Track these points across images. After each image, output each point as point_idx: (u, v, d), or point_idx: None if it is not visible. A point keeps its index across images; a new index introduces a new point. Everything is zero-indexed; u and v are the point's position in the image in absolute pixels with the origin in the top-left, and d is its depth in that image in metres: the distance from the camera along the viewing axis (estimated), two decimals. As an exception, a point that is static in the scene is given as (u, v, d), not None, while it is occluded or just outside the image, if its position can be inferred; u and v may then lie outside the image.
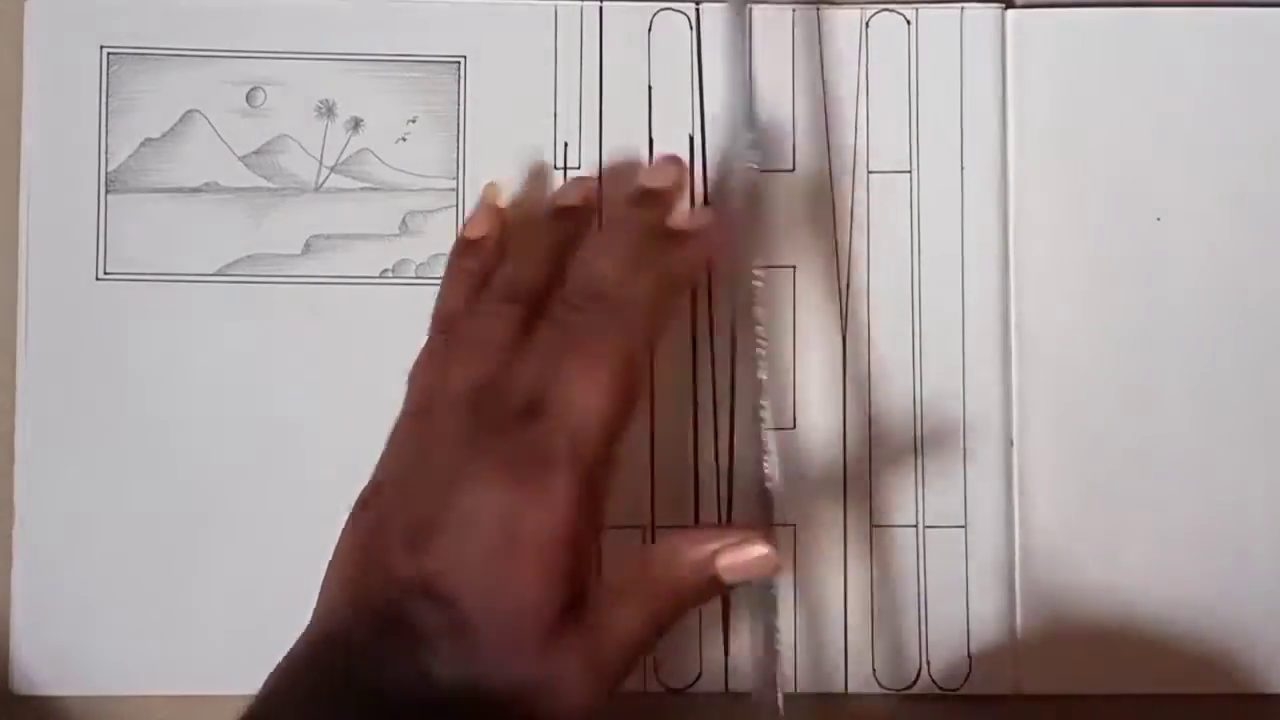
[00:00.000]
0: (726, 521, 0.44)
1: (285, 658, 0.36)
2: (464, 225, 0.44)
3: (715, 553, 0.37)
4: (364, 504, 0.39)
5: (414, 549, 0.36)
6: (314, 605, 0.38)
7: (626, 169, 0.44)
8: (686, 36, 0.45)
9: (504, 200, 0.44)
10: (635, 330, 0.38)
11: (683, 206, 0.42)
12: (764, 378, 0.40)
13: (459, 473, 0.36)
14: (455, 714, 0.35)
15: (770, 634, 0.40)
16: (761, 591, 0.40)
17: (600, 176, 0.44)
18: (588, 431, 0.36)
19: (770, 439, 0.40)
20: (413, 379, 0.41)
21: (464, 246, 0.43)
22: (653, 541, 0.43)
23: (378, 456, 0.40)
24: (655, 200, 0.41)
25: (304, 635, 0.37)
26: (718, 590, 0.37)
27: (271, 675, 0.36)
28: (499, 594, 0.35)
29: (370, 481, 0.39)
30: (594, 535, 0.37)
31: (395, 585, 0.36)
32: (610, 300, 0.38)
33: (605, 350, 0.37)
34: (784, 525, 0.44)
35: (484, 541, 0.35)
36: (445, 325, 0.41)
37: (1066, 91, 0.45)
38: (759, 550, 0.37)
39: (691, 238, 0.40)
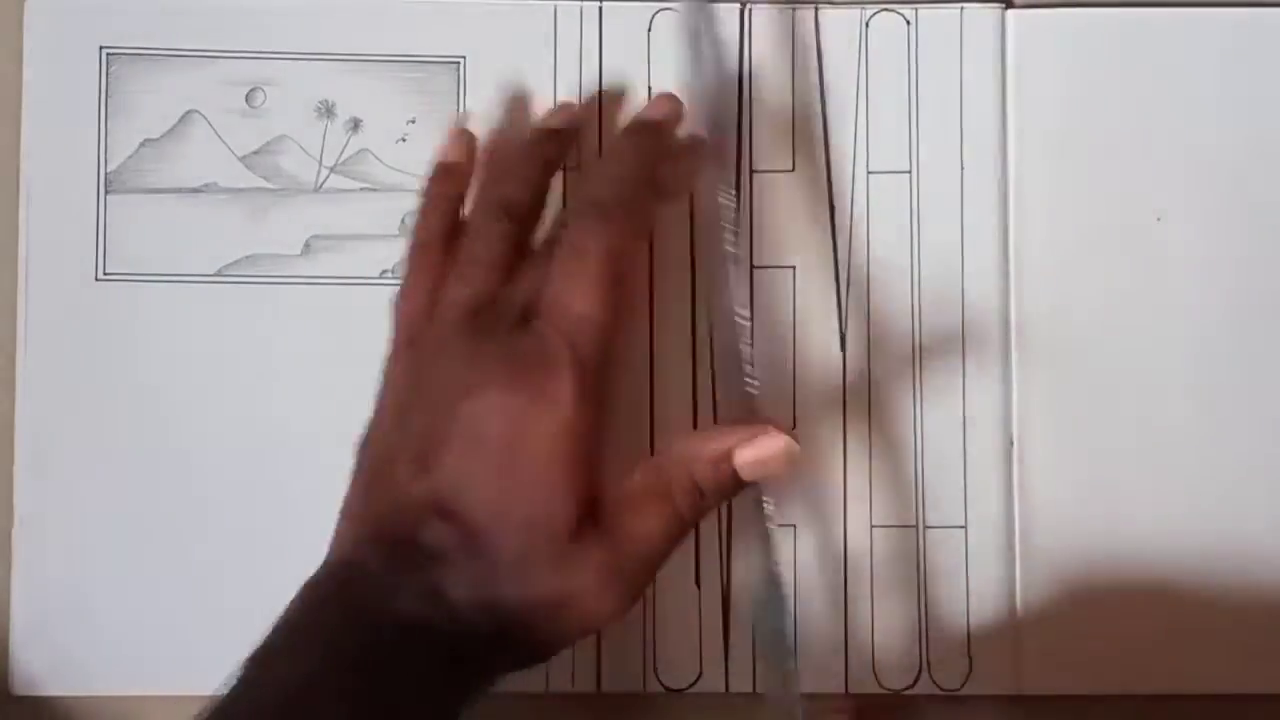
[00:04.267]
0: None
1: (302, 588, 0.36)
2: (437, 151, 0.43)
3: (732, 449, 0.36)
4: (365, 441, 0.39)
5: (422, 468, 0.36)
6: (330, 542, 0.38)
7: (610, 100, 0.44)
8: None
9: (477, 129, 0.44)
10: (617, 228, 0.38)
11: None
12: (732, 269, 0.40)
13: (459, 386, 0.36)
14: (474, 633, 0.35)
15: (781, 639, 0.40)
16: (773, 597, 0.40)
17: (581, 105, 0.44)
18: (583, 331, 0.36)
19: (747, 344, 0.39)
20: (397, 309, 0.41)
21: (439, 172, 0.43)
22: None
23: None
24: (650, 130, 0.42)
25: (320, 568, 0.37)
26: (737, 488, 0.37)
27: (288, 605, 0.36)
28: (510, 505, 0.35)
29: (370, 420, 0.40)
30: (600, 439, 0.36)
31: (406, 507, 0.36)
32: (594, 206, 0.38)
33: (590, 249, 0.37)
34: (784, 526, 0.44)
35: (491, 451, 0.35)
36: (423, 252, 0.41)
37: (1066, 91, 0.44)
38: (775, 442, 0.36)
39: (678, 152, 0.41)
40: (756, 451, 0.37)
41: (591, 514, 0.36)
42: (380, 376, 0.40)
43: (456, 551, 0.35)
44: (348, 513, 0.39)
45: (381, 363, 0.41)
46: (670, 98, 0.43)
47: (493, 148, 0.44)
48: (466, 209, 0.42)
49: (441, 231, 0.41)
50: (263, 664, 0.35)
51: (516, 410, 0.35)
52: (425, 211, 0.42)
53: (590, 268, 0.37)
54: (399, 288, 0.41)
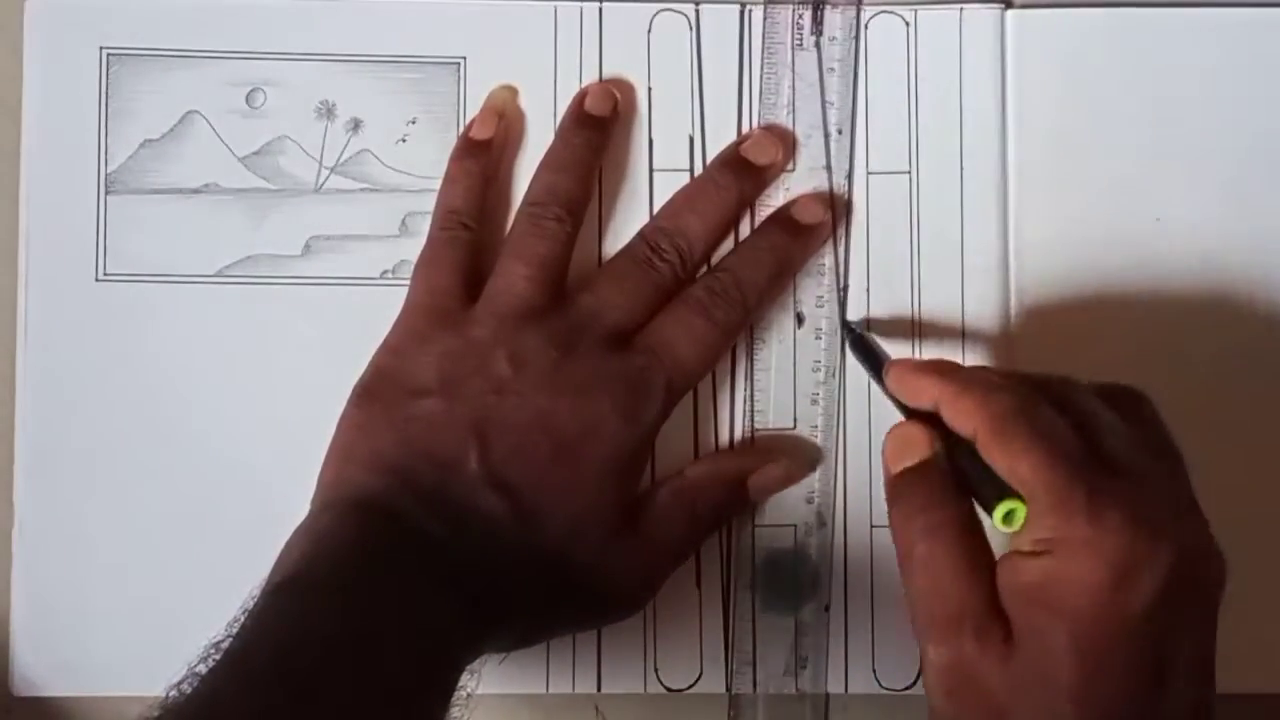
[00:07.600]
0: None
1: (310, 527, 0.38)
2: (468, 125, 0.44)
3: (747, 473, 0.43)
4: (370, 392, 0.41)
5: (481, 442, 0.39)
6: (321, 477, 0.40)
7: (623, 87, 0.44)
8: (686, 36, 0.45)
9: (511, 107, 0.44)
10: (748, 316, 0.43)
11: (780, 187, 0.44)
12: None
13: (536, 379, 0.39)
14: (510, 589, 0.39)
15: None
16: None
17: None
18: (681, 374, 0.41)
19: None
20: (419, 274, 0.42)
21: (468, 147, 0.44)
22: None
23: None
24: (750, 172, 0.43)
25: (324, 506, 0.39)
26: (749, 504, 0.43)
27: (298, 542, 0.38)
28: (566, 497, 0.39)
29: (373, 369, 0.41)
30: (648, 458, 0.42)
31: (460, 473, 0.39)
32: (739, 287, 0.42)
33: (719, 319, 0.41)
34: (784, 526, 0.44)
35: (560, 447, 0.39)
36: (451, 224, 0.43)
37: (1066, 91, 0.45)
38: (775, 471, 0.43)
39: (807, 231, 0.44)
40: (763, 479, 0.43)
41: (630, 518, 0.40)
42: (395, 333, 0.41)
43: (508, 521, 0.38)
44: (351, 455, 0.40)
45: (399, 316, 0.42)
46: (776, 139, 0.44)
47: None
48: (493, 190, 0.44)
49: (468, 207, 0.43)
50: (312, 609, 0.35)
51: (597, 419, 0.40)
52: (452, 182, 0.43)
53: (710, 333, 0.41)
54: (421, 253, 0.43)
